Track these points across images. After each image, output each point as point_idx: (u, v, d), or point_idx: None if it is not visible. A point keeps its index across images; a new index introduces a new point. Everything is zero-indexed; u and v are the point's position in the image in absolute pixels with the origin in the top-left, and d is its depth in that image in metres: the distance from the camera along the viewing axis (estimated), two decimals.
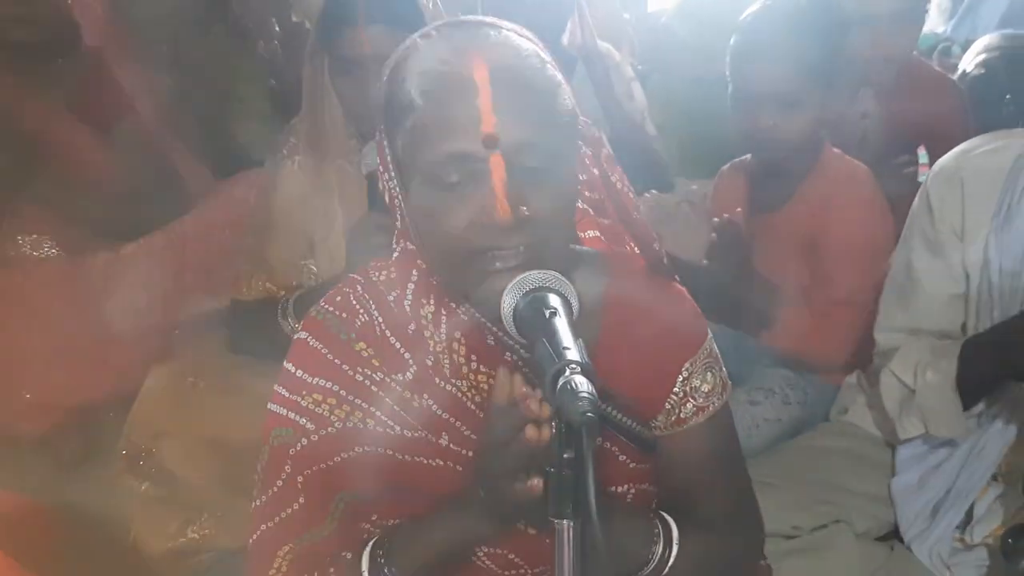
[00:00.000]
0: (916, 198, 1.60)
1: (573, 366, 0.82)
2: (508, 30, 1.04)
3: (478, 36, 1.01)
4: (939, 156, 1.62)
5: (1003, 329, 1.38)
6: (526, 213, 0.96)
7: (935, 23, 4.45)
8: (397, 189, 1.05)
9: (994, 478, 1.52)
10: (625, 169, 1.20)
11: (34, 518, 1.80)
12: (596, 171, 1.14)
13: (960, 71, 2.87)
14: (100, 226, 2.10)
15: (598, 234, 1.20)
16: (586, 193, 1.17)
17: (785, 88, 1.77)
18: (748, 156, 2.02)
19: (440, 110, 0.97)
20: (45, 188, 2.03)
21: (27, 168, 2.02)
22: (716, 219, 1.87)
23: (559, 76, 1.04)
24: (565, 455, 0.84)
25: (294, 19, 2.42)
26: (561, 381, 0.81)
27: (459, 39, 1.00)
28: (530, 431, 0.88)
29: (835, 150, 1.90)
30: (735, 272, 1.84)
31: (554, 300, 0.92)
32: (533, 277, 0.94)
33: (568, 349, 0.84)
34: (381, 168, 1.07)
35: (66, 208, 2.06)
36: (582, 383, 0.80)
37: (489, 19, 1.06)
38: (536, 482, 0.91)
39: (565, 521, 0.84)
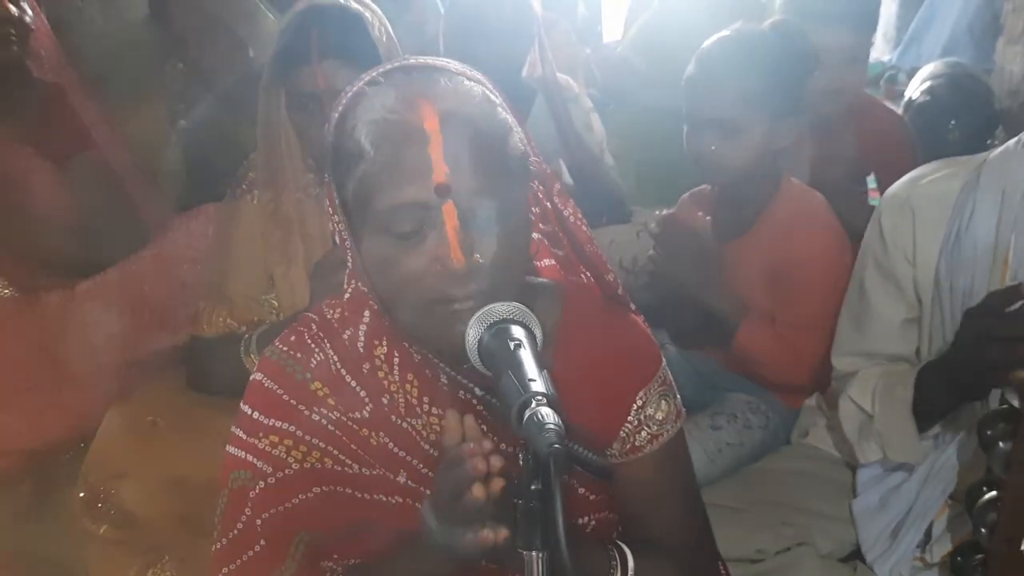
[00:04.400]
0: (868, 225, 1.64)
1: (539, 398, 0.82)
2: (457, 73, 1.04)
3: (427, 83, 1.01)
4: (888, 184, 1.66)
5: (952, 352, 1.40)
6: (480, 260, 0.97)
7: (881, 51, 4.58)
8: (346, 232, 1.05)
9: (951, 497, 1.54)
10: (584, 199, 1.22)
11: None
12: (549, 204, 1.15)
13: (906, 98, 2.96)
14: (55, 262, 2.06)
15: (554, 263, 1.21)
16: (540, 225, 1.18)
17: (726, 115, 1.81)
18: (708, 185, 2.06)
19: (391, 160, 0.97)
20: None
21: None
22: (657, 213, 1.91)
23: (510, 118, 1.04)
24: (532, 487, 0.84)
25: (251, 54, 2.42)
26: (527, 413, 0.81)
27: (408, 86, 1.00)
28: (476, 490, 0.88)
29: (794, 180, 1.94)
30: (693, 265, 1.87)
31: (518, 332, 0.93)
32: (497, 309, 0.95)
33: (534, 381, 0.84)
34: (330, 210, 1.07)
35: (20, 244, 2.02)
36: (548, 415, 0.80)
37: (438, 62, 1.06)
38: (487, 534, 0.90)
39: (534, 553, 0.84)
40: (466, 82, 1.03)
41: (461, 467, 0.89)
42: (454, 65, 1.06)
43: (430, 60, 1.06)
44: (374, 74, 1.04)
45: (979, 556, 1.29)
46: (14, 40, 2.00)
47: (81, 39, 2.51)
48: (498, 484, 0.88)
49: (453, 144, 0.96)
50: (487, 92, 1.04)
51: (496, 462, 0.88)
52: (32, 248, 2.03)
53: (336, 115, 1.04)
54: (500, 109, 1.04)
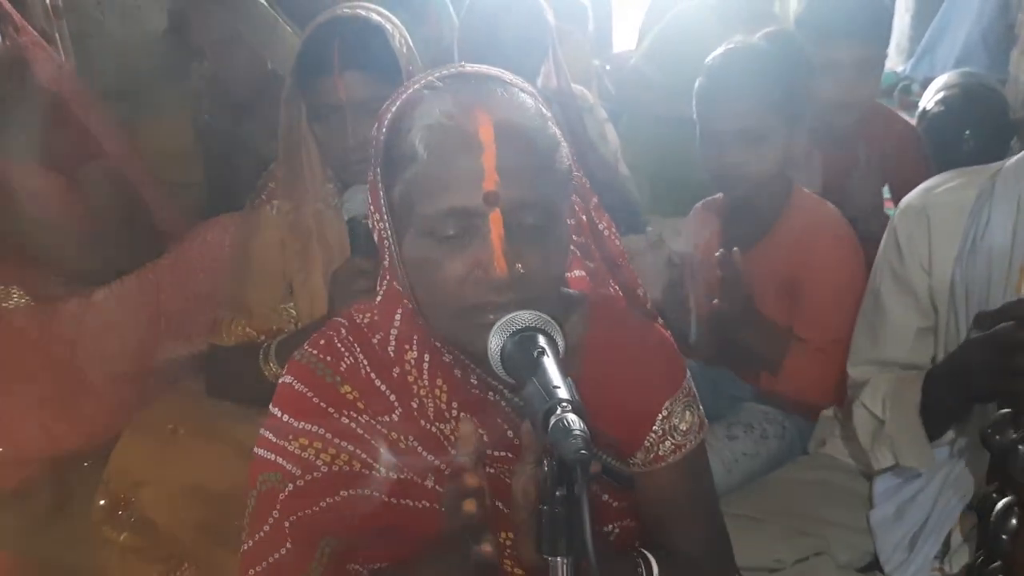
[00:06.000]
0: (884, 235, 1.64)
1: (564, 404, 0.83)
2: (513, 85, 1.05)
3: (485, 92, 1.02)
4: (902, 195, 1.67)
5: (958, 354, 1.41)
6: (522, 271, 0.98)
7: (894, 62, 4.59)
8: (389, 232, 1.06)
9: (969, 507, 1.54)
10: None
11: (7, 572, 1.76)
12: (584, 217, 1.16)
13: (920, 109, 2.95)
14: (71, 272, 2.06)
15: (583, 274, 1.22)
16: (574, 237, 1.19)
17: (749, 124, 1.82)
18: (720, 194, 2.06)
19: (443, 165, 0.99)
20: (11, 236, 2.00)
21: None
22: (718, 254, 1.84)
23: (558, 133, 1.06)
24: (557, 493, 0.85)
25: (269, 67, 2.43)
26: (553, 420, 0.82)
27: (465, 94, 1.01)
28: (467, 505, 0.90)
29: (804, 190, 1.95)
30: (742, 310, 1.84)
31: (541, 340, 0.93)
32: (520, 318, 0.96)
33: (558, 388, 0.85)
34: (372, 208, 1.08)
35: (34, 255, 2.02)
36: (574, 421, 0.81)
37: (493, 71, 1.07)
38: (485, 547, 0.92)
39: (559, 558, 0.85)
40: (521, 93, 1.05)
41: (457, 479, 0.91)
42: (508, 75, 1.07)
43: (485, 69, 1.08)
44: (431, 78, 1.05)
45: (996, 564, 1.29)
46: None
47: (101, 51, 2.54)
48: (472, 507, 0.90)
49: (505, 154, 0.98)
50: (539, 105, 1.06)
51: (475, 480, 0.90)
52: (47, 258, 2.04)
53: (389, 116, 1.05)
54: (550, 123, 1.05)
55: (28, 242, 2.01)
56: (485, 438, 1.11)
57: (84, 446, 1.95)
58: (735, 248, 1.76)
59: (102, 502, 1.73)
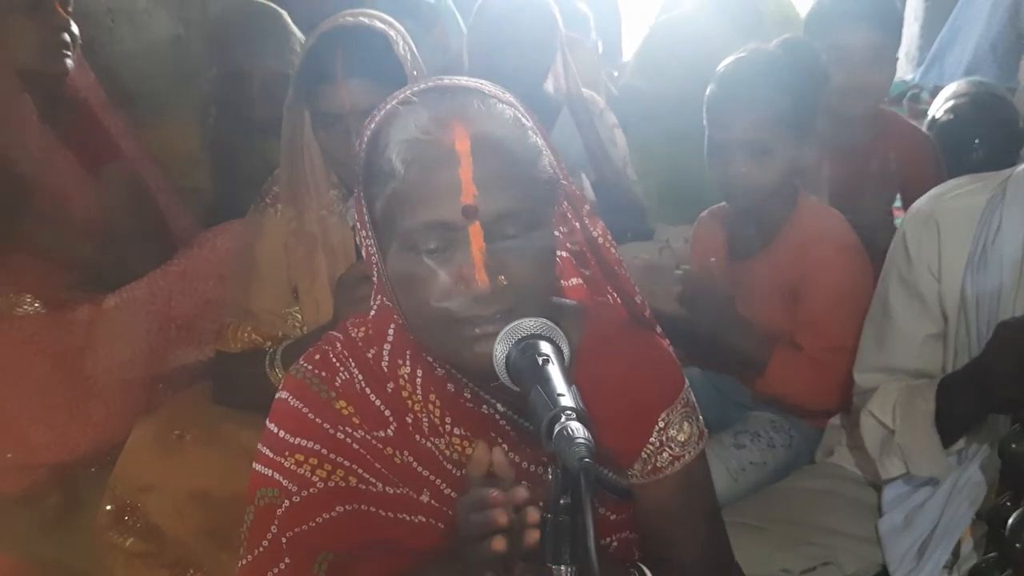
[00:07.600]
0: (893, 241, 1.64)
1: (569, 412, 0.83)
2: (490, 95, 1.05)
3: (460, 104, 1.02)
4: (913, 202, 1.66)
5: (978, 363, 1.40)
6: (504, 282, 0.98)
7: (903, 70, 4.57)
8: (374, 248, 1.07)
9: (979, 516, 1.53)
10: (608, 214, 1.22)
11: None
12: (577, 224, 1.16)
13: (930, 117, 2.95)
14: (84, 271, 2.07)
15: (580, 282, 1.22)
16: (568, 245, 1.18)
17: (758, 135, 1.81)
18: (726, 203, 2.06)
19: (421, 180, 0.99)
20: (30, 233, 2.01)
21: (14, 214, 1.99)
22: (678, 271, 1.90)
23: (540, 141, 1.06)
24: (561, 501, 0.84)
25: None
26: (557, 427, 0.82)
27: (441, 107, 1.01)
28: (496, 543, 0.87)
29: (811, 197, 1.94)
30: (714, 318, 1.86)
31: (546, 347, 0.93)
32: (525, 325, 0.96)
33: (563, 396, 0.85)
34: (359, 225, 1.09)
35: (51, 254, 2.03)
36: (578, 429, 0.81)
37: (471, 83, 1.07)
38: None
39: (563, 567, 0.85)
40: (499, 104, 1.04)
41: (485, 514, 0.89)
42: (487, 87, 1.07)
43: (463, 81, 1.08)
44: (407, 93, 1.06)
45: (1006, 573, 1.28)
46: (68, 52, 2.01)
47: (111, 58, 2.55)
48: (533, 536, 0.86)
49: (483, 166, 0.98)
50: (519, 115, 1.05)
51: (533, 515, 0.87)
52: (62, 256, 2.05)
53: (368, 133, 1.06)
54: (531, 132, 1.05)
55: (47, 240, 2.02)
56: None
57: (92, 452, 1.96)
58: (712, 259, 1.79)
59: (108, 507, 1.73)
